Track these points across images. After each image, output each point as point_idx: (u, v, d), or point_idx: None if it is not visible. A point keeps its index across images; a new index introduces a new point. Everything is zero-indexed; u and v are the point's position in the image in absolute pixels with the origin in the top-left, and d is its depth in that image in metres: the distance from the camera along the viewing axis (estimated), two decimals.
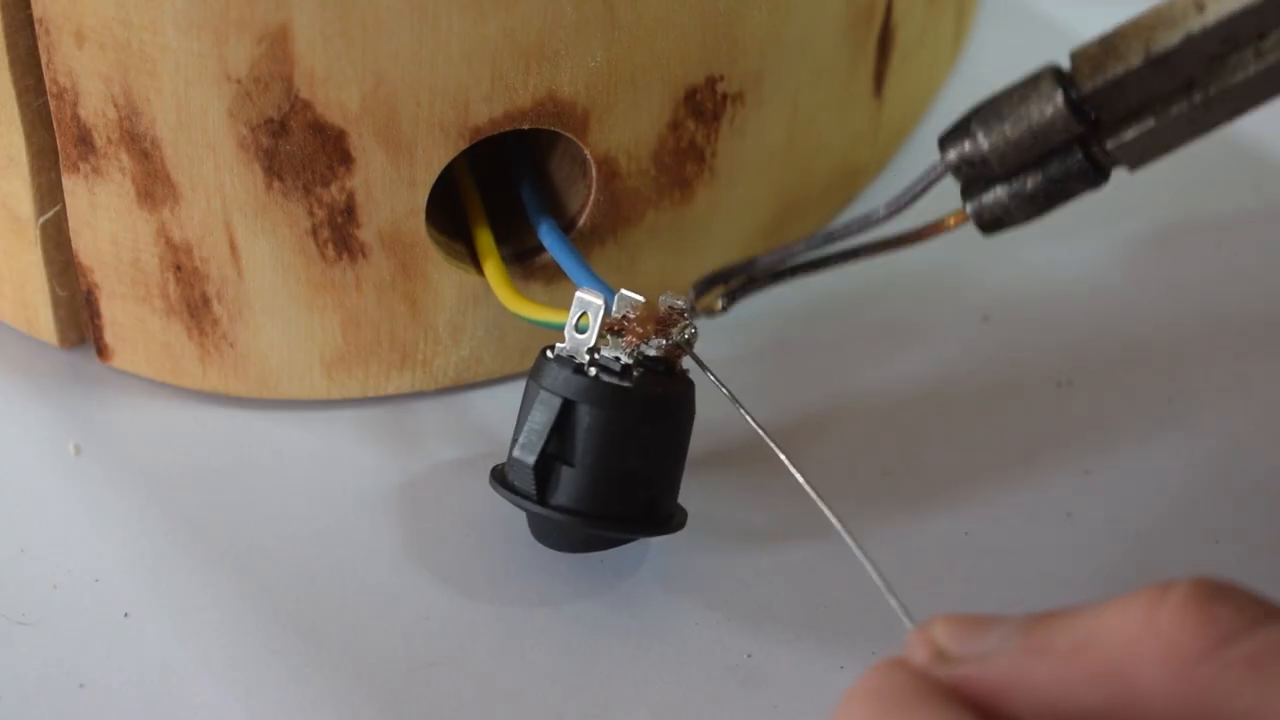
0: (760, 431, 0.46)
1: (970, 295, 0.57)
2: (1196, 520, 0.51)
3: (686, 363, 0.49)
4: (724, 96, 0.53)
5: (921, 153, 0.61)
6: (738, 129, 0.53)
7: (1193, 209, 0.60)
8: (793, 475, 0.44)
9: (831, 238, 0.47)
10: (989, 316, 0.57)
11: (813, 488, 0.44)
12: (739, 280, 0.48)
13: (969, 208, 0.46)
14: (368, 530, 0.51)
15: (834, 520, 0.43)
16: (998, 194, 0.46)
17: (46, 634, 0.49)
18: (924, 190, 0.46)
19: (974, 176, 0.45)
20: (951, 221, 0.47)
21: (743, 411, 0.46)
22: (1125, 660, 0.35)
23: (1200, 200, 0.60)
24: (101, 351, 0.54)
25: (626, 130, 0.51)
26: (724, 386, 0.47)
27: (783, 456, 0.45)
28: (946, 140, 0.45)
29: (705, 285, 0.48)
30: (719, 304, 0.48)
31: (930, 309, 0.57)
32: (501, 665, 0.48)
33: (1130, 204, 0.60)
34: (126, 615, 0.49)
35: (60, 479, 0.52)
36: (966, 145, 0.45)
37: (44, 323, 0.55)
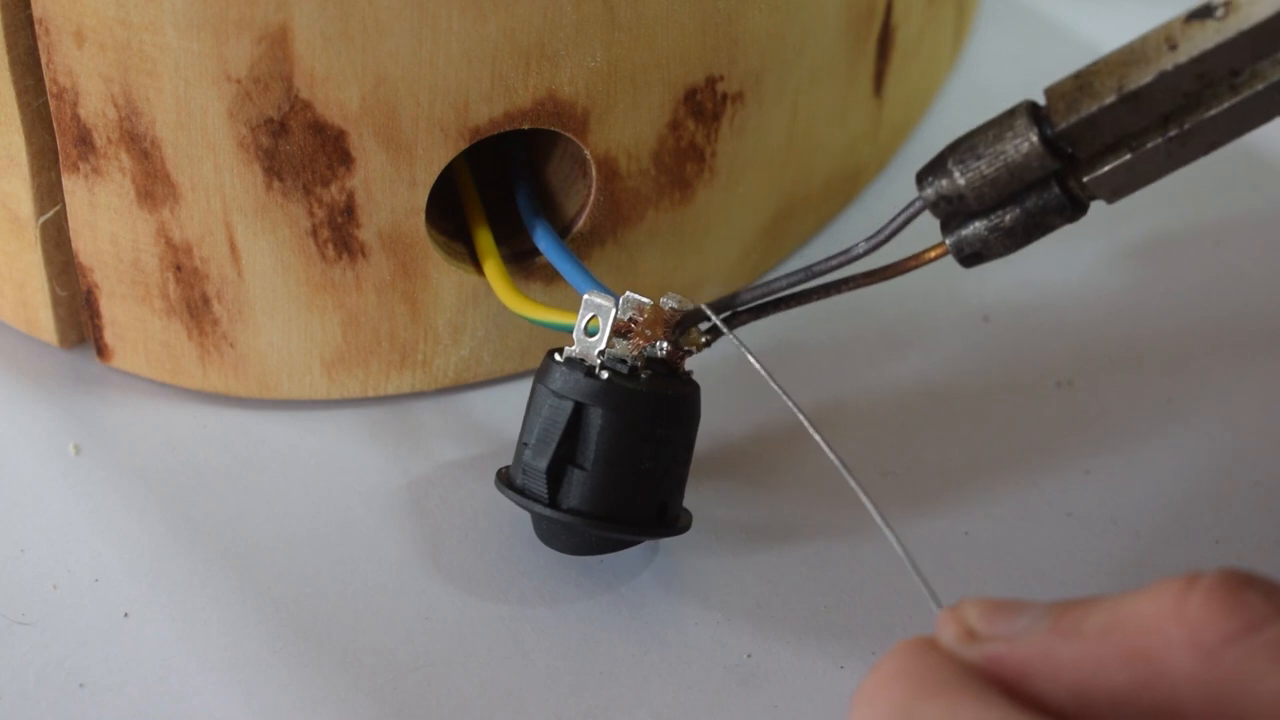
0: (805, 421, 0.46)
1: (970, 295, 0.57)
2: (1196, 520, 0.51)
3: (689, 364, 0.49)
4: (724, 96, 0.53)
5: (921, 153, 0.61)
6: (738, 129, 0.53)
7: (1192, 209, 0.60)
8: (831, 468, 0.44)
9: (811, 274, 0.48)
10: (989, 316, 0.57)
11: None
12: (723, 315, 0.48)
13: (948, 241, 0.46)
14: (368, 530, 0.51)
15: (871, 508, 0.44)
16: (977, 228, 0.46)
17: (46, 634, 0.49)
18: (902, 226, 0.46)
19: (952, 212, 0.46)
20: (931, 255, 0.47)
21: (789, 402, 0.47)
22: (1153, 642, 0.35)
23: (1200, 200, 0.60)
24: (101, 351, 0.54)
25: (626, 130, 0.51)
26: (771, 377, 0.47)
27: (826, 447, 0.45)
28: (924, 177, 0.46)
29: (690, 323, 0.48)
30: (701, 340, 0.48)
31: (930, 309, 0.57)
32: (501, 665, 0.48)
33: (1130, 204, 0.60)
34: (126, 615, 0.49)
35: (60, 479, 0.52)
36: (944, 183, 0.46)
37: (44, 323, 0.55)
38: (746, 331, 0.56)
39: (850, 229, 0.59)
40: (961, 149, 0.45)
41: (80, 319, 0.55)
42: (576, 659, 0.48)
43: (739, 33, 0.52)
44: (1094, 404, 0.54)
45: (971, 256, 0.47)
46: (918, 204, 0.46)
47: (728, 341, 0.56)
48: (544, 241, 0.52)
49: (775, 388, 0.47)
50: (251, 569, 0.50)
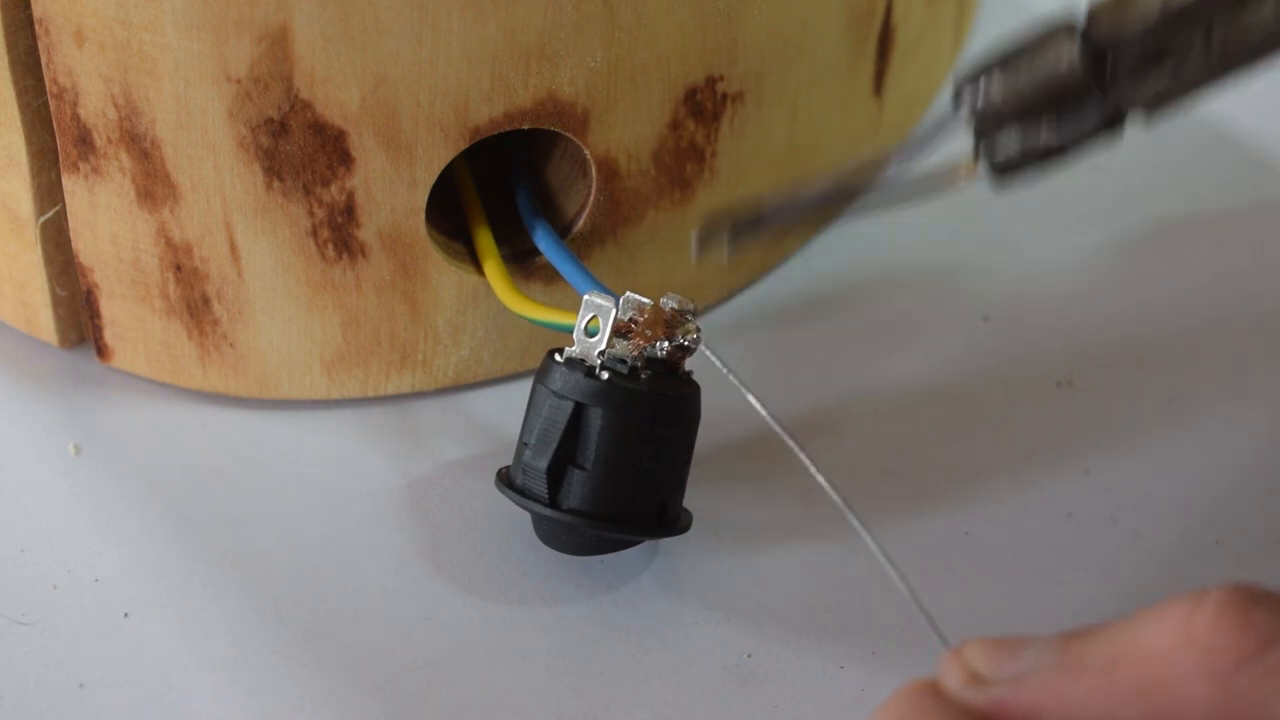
0: (780, 431, 0.46)
1: (970, 295, 0.57)
2: (1196, 520, 0.51)
3: (689, 364, 0.49)
4: (724, 96, 0.53)
5: None
6: (738, 129, 0.53)
7: (1193, 209, 0.60)
8: (813, 476, 0.43)
9: (841, 182, 0.47)
10: (989, 316, 0.57)
11: (829, 489, 0.44)
12: (745, 221, 0.47)
13: (982, 155, 0.46)
14: (368, 530, 0.51)
15: (856, 524, 0.43)
16: (1011, 142, 0.45)
17: (46, 634, 0.49)
18: (936, 134, 0.45)
19: (987, 124, 0.45)
20: (964, 171, 0.46)
21: (764, 413, 0.46)
22: (1164, 672, 0.34)
23: (1200, 200, 0.60)
24: (101, 351, 0.54)
25: (626, 130, 0.51)
26: (744, 387, 0.47)
27: (804, 457, 0.45)
28: (961, 87, 0.45)
29: (709, 229, 0.47)
30: (725, 246, 0.47)
31: (930, 309, 0.57)
32: (501, 665, 0.48)
33: (1130, 204, 0.60)
34: (126, 615, 0.49)
35: (60, 479, 0.52)
36: (981, 92, 0.45)
37: (44, 323, 0.55)
38: (746, 331, 0.56)
39: (850, 229, 0.59)
40: (1001, 59, 0.45)
41: (80, 319, 0.55)
42: (576, 659, 0.48)
43: (739, 33, 0.52)
44: (1094, 404, 0.54)
45: (1004, 170, 0.45)
46: (953, 113, 0.45)
47: (728, 341, 0.56)
48: (544, 241, 0.52)
49: (751, 400, 0.47)
50: (252, 569, 0.50)
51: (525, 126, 0.50)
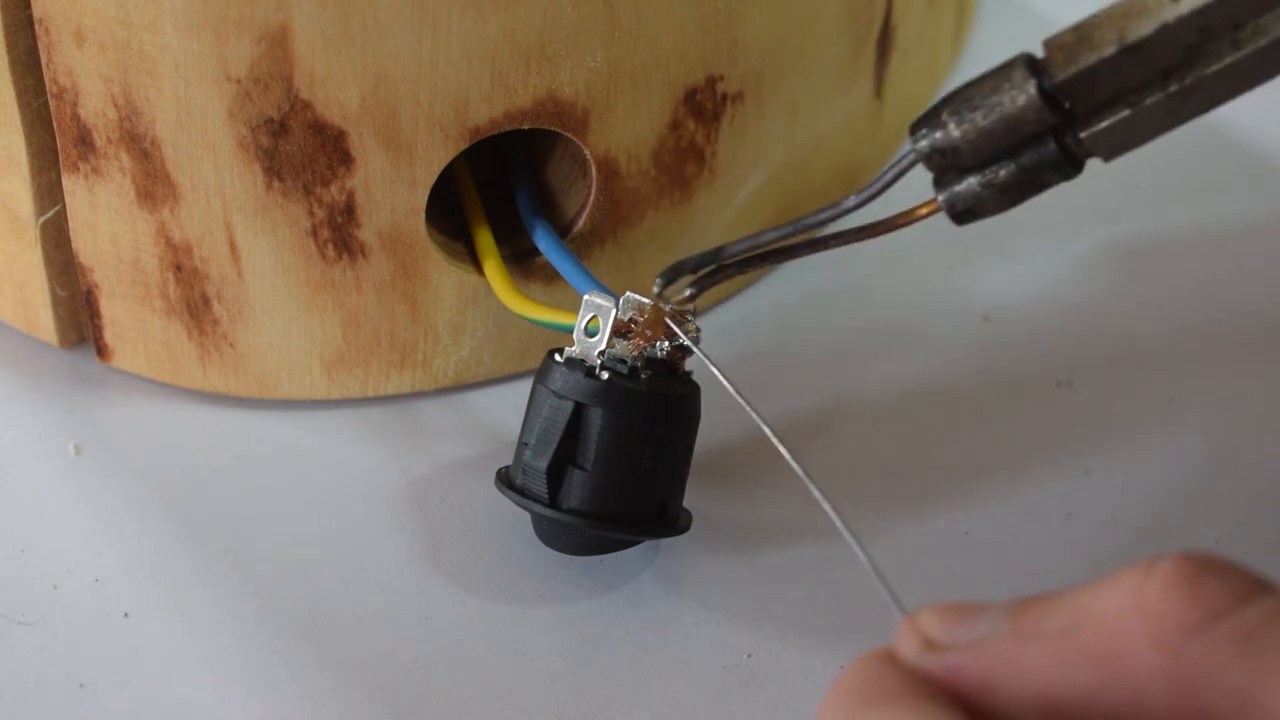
0: (765, 428, 0.46)
1: (970, 295, 0.57)
2: (1196, 520, 0.51)
3: (689, 366, 0.49)
4: (724, 96, 0.52)
5: None
6: (738, 129, 0.53)
7: (1193, 209, 0.60)
8: (796, 471, 0.43)
9: (802, 227, 0.47)
10: (989, 316, 0.57)
11: (823, 484, 0.44)
12: (707, 269, 0.48)
13: (941, 197, 0.45)
14: (368, 530, 0.51)
15: (831, 511, 0.43)
16: (970, 184, 0.45)
17: (46, 634, 0.49)
18: (895, 179, 0.45)
19: (946, 166, 0.45)
20: (923, 211, 0.46)
21: (749, 409, 0.46)
22: (1115, 640, 0.34)
23: (1200, 200, 0.60)
24: (101, 351, 0.54)
25: (626, 130, 0.51)
26: (732, 387, 0.47)
27: (786, 453, 0.45)
28: (918, 128, 0.45)
29: (673, 275, 0.47)
30: (687, 292, 0.48)
31: (930, 309, 0.57)
32: (501, 665, 0.48)
33: (1130, 204, 0.60)
34: (126, 615, 0.49)
35: (60, 479, 0.52)
36: (938, 134, 0.44)
37: (44, 323, 0.55)
38: (746, 330, 0.56)
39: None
40: (957, 100, 0.44)
41: (80, 319, 0.55)
42: (576, 659, 0.48)
43: (739, 33, 0.52)
44: (1094, 404, 0.54)
45: (964, 213, 0.45)
46: (911, 156, 0.45)
47: (728, 341, 0.56)
48: (544, 241, 0.52)
49: (736, 396, 0.47)
50: (251, 569, 0.50)
51: (525, 126, 0.50)
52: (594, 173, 0.52)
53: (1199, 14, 0.42)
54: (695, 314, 0.48)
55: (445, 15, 0.47)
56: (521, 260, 0.53)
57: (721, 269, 0.48)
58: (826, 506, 0.43)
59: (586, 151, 0.51)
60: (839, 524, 0.43)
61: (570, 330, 0.48)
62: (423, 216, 0.51)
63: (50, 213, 0.52)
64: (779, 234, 0.47)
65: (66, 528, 0.51)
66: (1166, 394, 0.55)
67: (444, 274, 0.52)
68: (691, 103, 0.52)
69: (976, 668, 0.36)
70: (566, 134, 0.51)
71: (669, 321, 0.47)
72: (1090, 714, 0.35)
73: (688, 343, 0.48)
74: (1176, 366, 0.55)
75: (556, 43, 0.49)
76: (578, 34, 0.49)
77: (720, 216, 0.55)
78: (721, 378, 0.47)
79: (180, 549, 0.51)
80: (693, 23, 0.50)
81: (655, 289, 0.48)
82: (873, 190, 0.46)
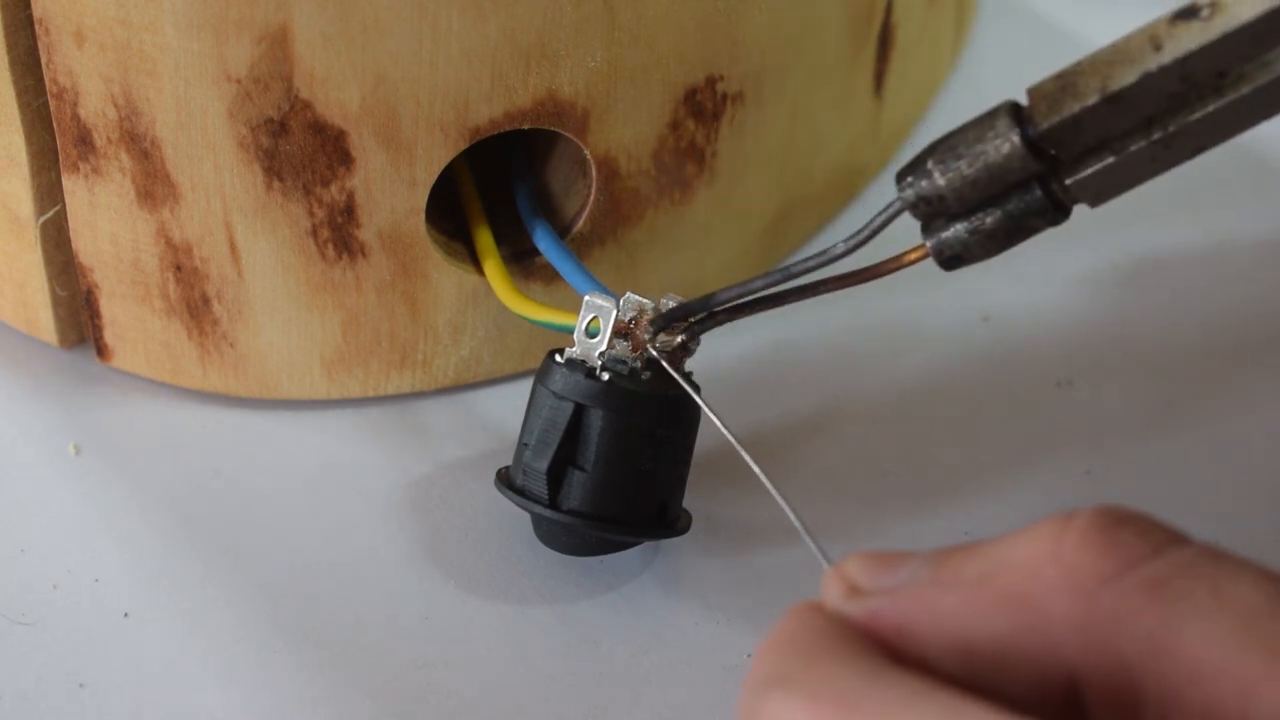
0: (715, 420, 0.46)
1: (970, 295, 0.57)
2: (1197, 520, 0.51)
3: (690, 366, 0.49)
4: (724, 96, 0.53)
5: None
6: (738, 129, 0.53)
7: (1193, 210, 0.60)
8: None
9: (790, 274, 0.47)
10: (989, 316, 0.57)
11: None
12: (698, 317, 0.48)
13: (929, 244, 0.46)
14: (368, 530, 0.51)
15: (751, 463, 0.44)
16: (957, 230, 0.45)
17: (46, 634, 0.49)
18: (882, 227, 0.46)
19: (932, 213, 0.45)
20: (912, 257, 0.46)
21: (715, 419, 0.47)
22: (1030, 586, 0.35)
23: (1200, 201, 0.60)
24: (101, 351, 0.54)
25: (626, 130, 0.51)
26: (694, 390, 0.47)
27: (731, 438, 0.45)
28: (903, 177, 0.45)
29: (663, 324, 0.48)
30: (678, 340, 0.48)
31: (930, 309, 0.57)
32: (501, 665, 0.48)
33: (1130, 204, 0.60)
34: (126, 615, 0.49)
35: (60, 479, 0.52)
36: (924, 183, 0.45)
37: (44, 323, 0.55)
38: (746, 329, 0.56)
39: (850, 229, 0.59)
40: (942, 149, 0.45)
41: (80, 319, 0.55)
42: (576, 659, 0.48)
43: (739, 33, 0.52)
44: (1094, 404, 0.54)
45: (952, 259, 0.46)
46: (897, 204, 0.45)
47: (728, 341, 0.56)
48: (544, 242, 0.52)
49: (701, 404, 0.47)
50: (251, 569, 0.50)
51: (525, 126, 0.50)
52: (594, 173, 0.52)
53: (1182, 63, 0.42)
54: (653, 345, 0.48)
55: (445, 15, 0.47)
56: (521, 260, 0.53)
57: (712, 316, 0.48)
58: (755, 467, 0.43)
59: (586, 151, 0.51)
60: (760, 474, 0.44)
61: (570, 331, 0.48)
62: (423, 216, 0.51)
63: (50, 213, 0.52)
64: (768, 281, 0.48)
65: (66, 528, 0.51)
66: (1166, 395, 0.55)
67: (444, 274, 0.52)
68: (691, 103, 0.52)
69: (896, 612, 0.36)
70: (566, 134, 0.51)
71: (665, 365, 0.48)
72: (1004, 658, 0.35)
73: (662, 359, 0.48)
74: (1176, 367, 0.55)
75: (556, 43, 0.49)
76: (578, 34, 0.49)
77: (720, 216, 0.55)
78: (699, 400, 0.47)
79: (180, 549, 0.51)
80: (693, 23, 0.51)
81: (645, 338, 0.48)
82: (860, 238, 0.46)
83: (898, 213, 0.45)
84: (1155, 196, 0.60)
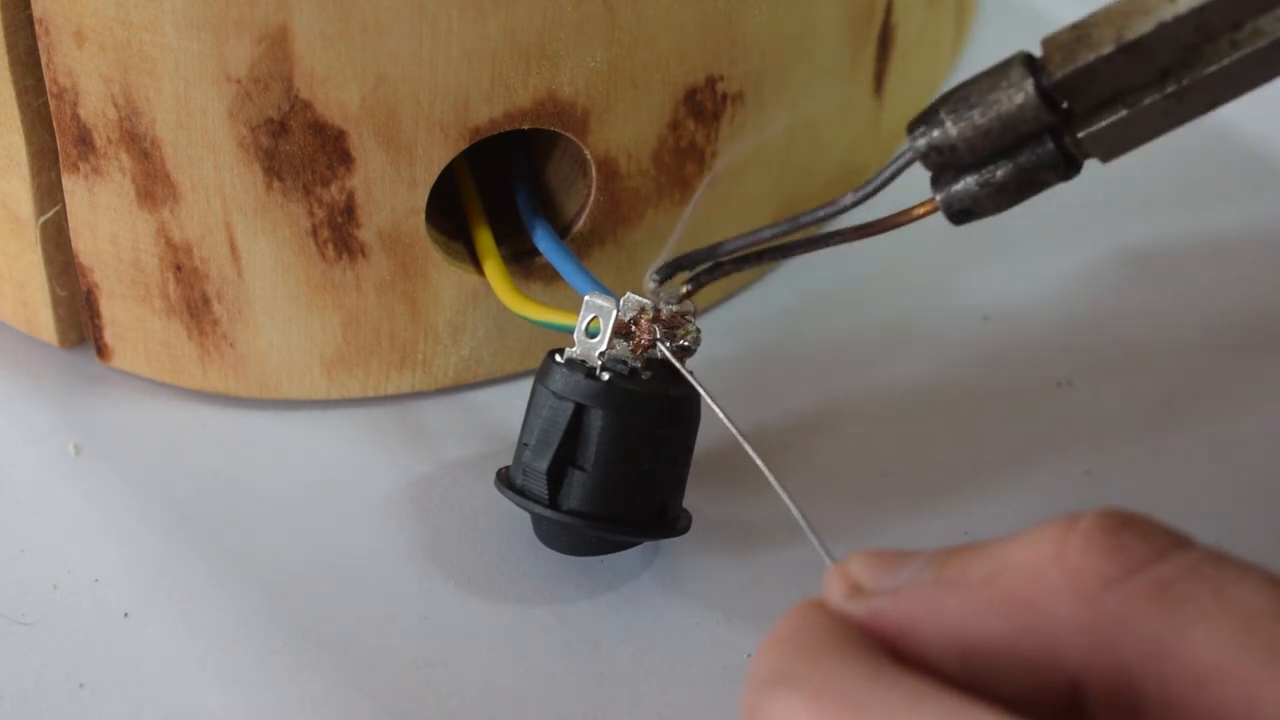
0: (731, 426, 0.46)
1: (970, 295, 0.57)
2: (1197, 520, 0.51)
3: (690, 366, 0.49)
4: (724, 96, 0.53)
5: None
6: (738, 129, 0.53)
7: (1193, 209, 0.60)
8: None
9: (799, 225, 0.47)
10: (989, 316, 0.57)
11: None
12: (704, 266, 0.48)
13: (939, 197, 0.45)
14: (368, 530, 0.51)
15: (755, 458, 0.44)
16: (967, 183, 0.45)
17: (46, 634, 0.49)
18: (892, 178, 0.45)
19: (943, 164, 0.45)
20: (920, 210, 0.46)
21: (723, 416, 0.47)
22: (1034, 589, 0.35)
23: (1200, 201, 0.60)
24: (101, 351, 0.54)
25: (626, 130, 0.51)
26: (701, 386, 0.47)
27: (737, 433, 0.45)
28: (915, 126, 0.45)
29: (668, 271, 0.47)
30: (684, 289, 0.48)
31: (930, 309, 0.57)
32: (501, 665, 0.48)
33: (1130, 205, 0.60)
34: (126, 615, 0.49)
35: (60, 479, 0.52)
36: (935, 133, 0.44)
37: (44, 323, 0.55)
38: (746, 330, 0.56)
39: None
40: (954, 99, 0.44)
41: (80, 319, 0.55)
42: (576, 659, 0.48)
43: (739, 33, 0.52)
44: (1094, 404, 0.54)
45: (961, 213, 0.45)
46: (908, 154, 0.45)
47: (728, 341, 0.56)
48: (544, 242, 0.52)
49: (710, 402, 0.47)
50: (251, 569, 0.50)
51: (525, 126, 0.50)
52: (594, 173, 0.52)
53: (1197, 13, 0.42)
54: (695, 314, 0.48)
55: (445, 15, 0.47)
56: (521, 260, 0.53)
57: (718, 266, 0.48)
58: (753, 454, 0.43)
59: (586, 151, 0.51)
60: (764, 468, 0.44)
61: (570, 331, 0.48)
62: (423, 216, 0.51)
63: (50, 213, 0.52)
64: (776, 231, 0.47)
65: (66, 528, 0.51)
66: (1166, 394, 0.55)
67: (444, 274, 0.52)
68: (691, 103, 0.52)
69: (899, 612, 0.36)
70: (566, 134, 0.51)
71: (670, 357, 0.48)
72: (1006, 660, 0.35)
73: (669, 356, 0.48)
74: (1176, 367, 0.55)
75: (556, 43, 0.49)
76: (578, 34, 0.49)
77: (720, 216, 0.55)
78: (700, 387, 0.47)
79: (180, 549, 0.51)
80: (693, 23, 0.51)
81: (650, 285, 0.48)
82: (870, 189, 0.46)
83: (909, 163, 0.45)
84: (1155, 196, 0.60)
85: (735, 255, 0.48)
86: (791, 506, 0.44)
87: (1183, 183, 0.61)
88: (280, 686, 0.47)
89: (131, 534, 0.51)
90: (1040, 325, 0.57)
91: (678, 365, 0.48)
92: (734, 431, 0.46)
